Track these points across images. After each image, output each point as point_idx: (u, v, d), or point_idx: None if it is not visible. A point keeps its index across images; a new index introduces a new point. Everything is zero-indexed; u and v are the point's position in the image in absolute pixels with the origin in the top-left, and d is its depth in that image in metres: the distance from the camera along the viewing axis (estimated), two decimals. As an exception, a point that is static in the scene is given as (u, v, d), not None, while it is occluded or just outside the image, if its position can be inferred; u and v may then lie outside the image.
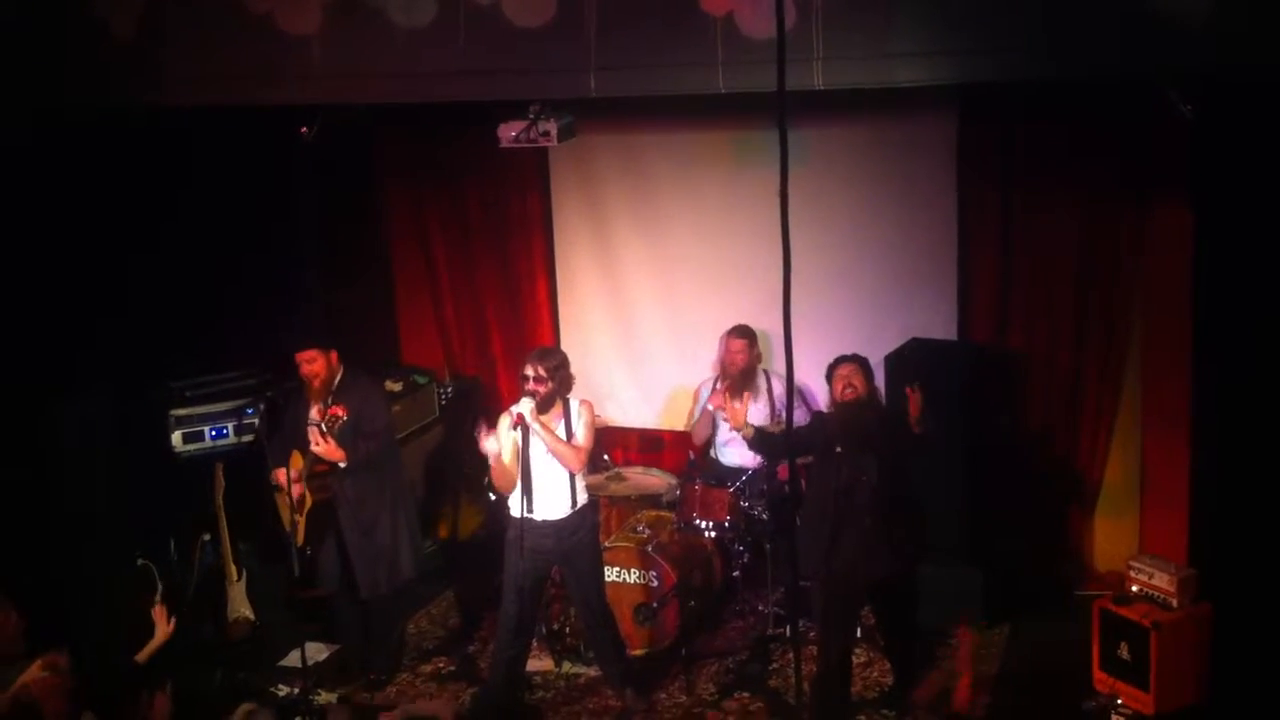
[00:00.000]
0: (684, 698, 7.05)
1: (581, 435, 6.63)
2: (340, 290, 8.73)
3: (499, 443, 6.54)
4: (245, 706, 5.19)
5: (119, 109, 6.95)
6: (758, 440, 6.73)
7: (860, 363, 6.52)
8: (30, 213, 7.18)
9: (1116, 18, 5.34)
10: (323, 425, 6.79)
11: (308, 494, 6.98)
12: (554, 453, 6.54)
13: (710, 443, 8.21)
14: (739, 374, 7.91)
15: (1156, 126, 6.91)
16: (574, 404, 6.70)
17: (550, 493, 6.62)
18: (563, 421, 6.64)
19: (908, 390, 6.41)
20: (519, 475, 6.54)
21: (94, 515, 7.55)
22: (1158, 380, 7.57)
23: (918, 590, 6.77)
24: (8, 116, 6.90)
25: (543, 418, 6.52)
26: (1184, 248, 7.14)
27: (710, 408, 7.95)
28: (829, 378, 6.56)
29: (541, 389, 6.51)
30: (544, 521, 6.62)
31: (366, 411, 7.00)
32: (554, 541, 6.65)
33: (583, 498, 6.74)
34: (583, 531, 6.74)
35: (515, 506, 6.62)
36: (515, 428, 6.46)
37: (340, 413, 6.80)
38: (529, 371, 6.55)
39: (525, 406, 6.44)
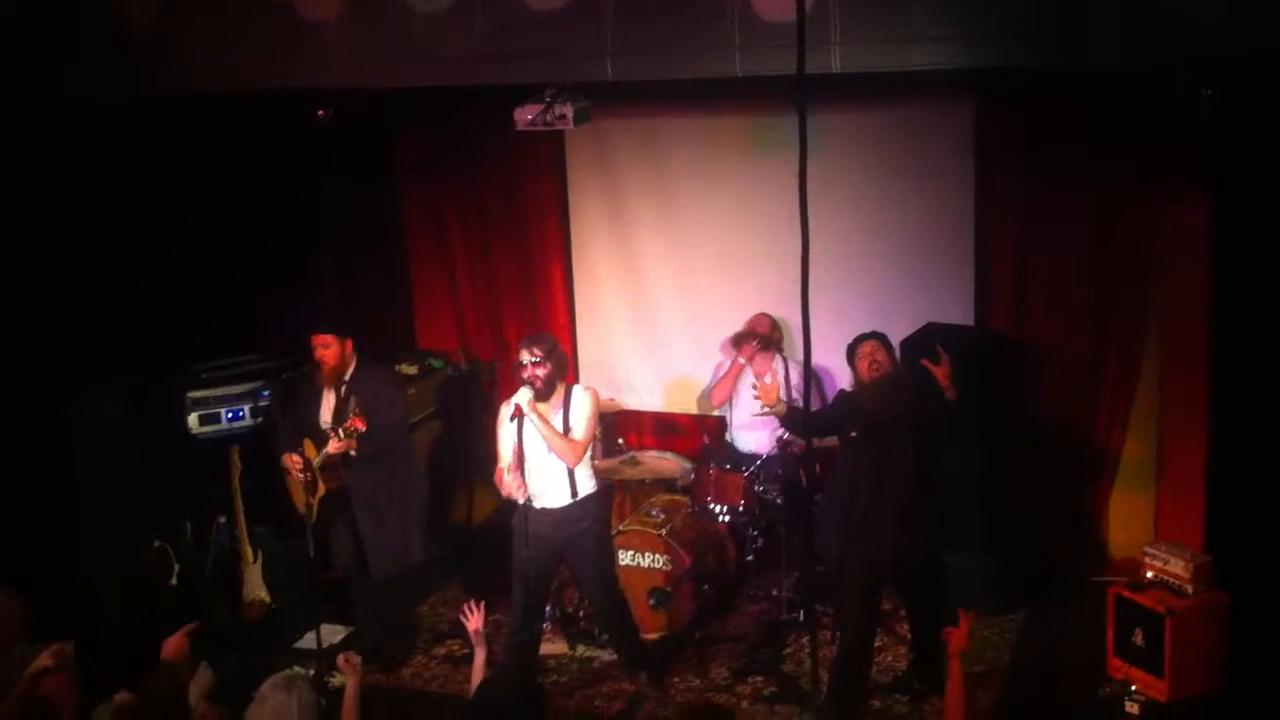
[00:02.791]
0: (697, 682, 7.07)
1: (580, 429, 6.52)
2: (357, 274, 8.74)
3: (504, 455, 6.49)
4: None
5: (136, 96, 6.96)
6: (790, 418, 6.69)
7: (881, 338, 6.44)
8: (47, 199, 7.20)
9: (1134, 3, 5.32)
10: (341, 432, 6.78)
11: (321, 482, 7.00)
12: (549, 446, 6.46)
13: (726, 424, 8.23)
14: (760, 339, 7.91)
15: (1176, 115, 6.86)
16: (577, 391, 6.61)
17: (549, 482, 6.56)
18: (561, 411, 6.54)
19: (926, 362, 6.34)
20: (516, 465, 6.45)
21: (110, 498, 7.58)
22: (1175, 368, 7.54)
23: (945, 570, 6.75)
24: (26, 103, 6.91)
25: (542, 406, 6.43)
26: (1203, 233, 7.12)
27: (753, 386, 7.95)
28: (851, 358, 6.46)
29: (541, 372, 6.42)
30: (544, 510, 6.55)
31: (380, 405, 6.98)
32: (555, 529, 6.58)
33: (586, 487, 6.65)
34: (586, 521, 6.65)
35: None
36: (513, 419, 6.36)
37: (359, 425, 6.76)
38: (524, 358, 6.45)
39: (524, 397, 6.34)
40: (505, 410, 6.52)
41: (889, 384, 6.32)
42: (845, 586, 6.48)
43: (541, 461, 6.53)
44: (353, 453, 6.91)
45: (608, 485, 7.42)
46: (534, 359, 6.43)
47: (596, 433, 6.97)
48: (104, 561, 7.49)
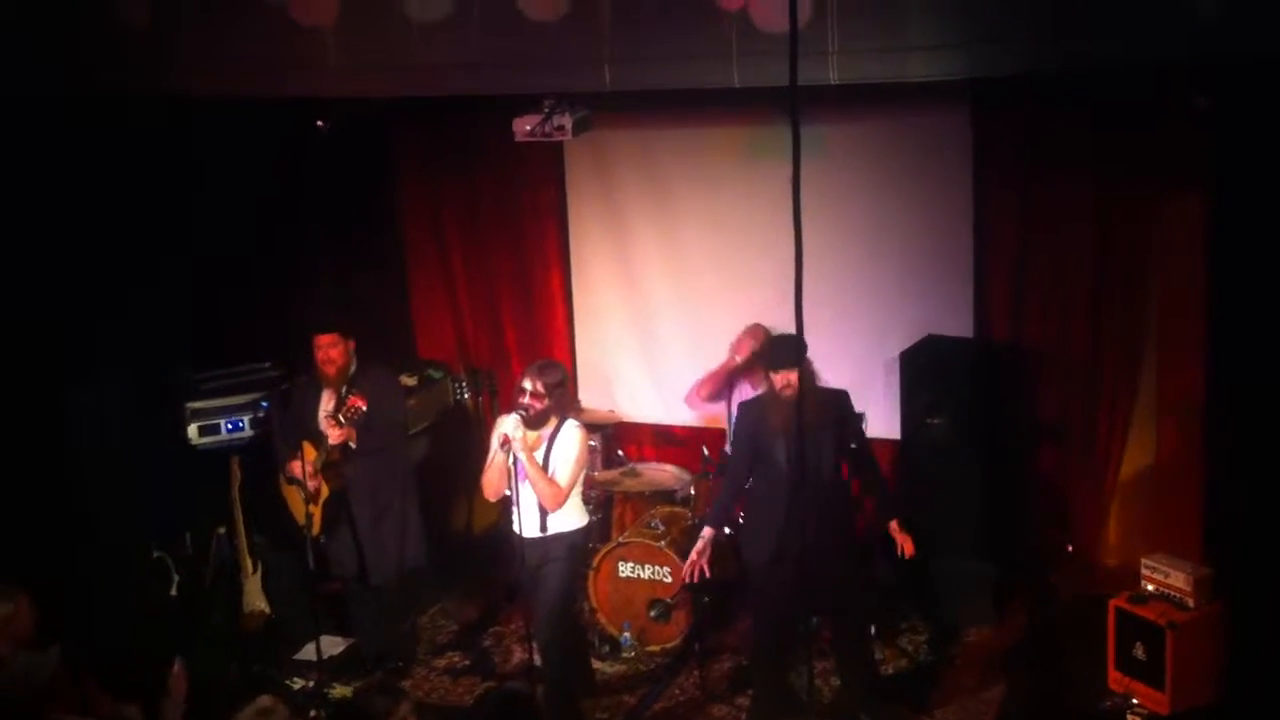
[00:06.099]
0: (698, 693, 7.04)
1: (564, 472, 6.36)
2: (356, 282, 8.73)
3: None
4: (262, 701, 5.11)
5: (131, 97, 6.96)
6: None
7: (803, 363, 5.91)
8: (45, 205, 7.20)
9: (1130, 7, 5.31)
10: (341, 417, 6.78)
11: (323, 484, 7.00)
12: (533, 486, 6.32)
13: (725, 435, 8.18)
14: (742, 362, 7.86)
15: (1172, 120, 6.86)
16: (567, 428, 6.42)
17: (525, 509, 6.42)
18: (546, 445, 6.39)
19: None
20: (504, 487, 6.38)
21: (110, 508, 7.57)
22: (1173, 376, 7.51)
23: (868, 586, 6.71)
24: (27, 103, 6.91)
25: (530, 435, 6.31)
26: (1199, 240, 7.10)
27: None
28: (770, 366, 6.36)
29: (538, 405, 6.31)
30: (519, 536, 6.47)
31: (381, 405, 6.99)
32: (527, 556, 6.49)
33: (559, 523, 6.46)
34: (551, 560, 6.48)
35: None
36: (503, 447, 6.24)
37: (360, 404, 6.77)
38: (526, 384, 6.34)
39: (510, 425, 6.20)
40: (500, 424, 6.44)
41: (790, 403, 6.16)
42: (757, 598, 6.50)
43: (524, 487, 6.39)
44: (353, 444, 6.89)
45: (578, 529, 6.84)
46: (534, 390, 6.32)
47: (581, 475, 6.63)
48: (108, 567, 7.48)
